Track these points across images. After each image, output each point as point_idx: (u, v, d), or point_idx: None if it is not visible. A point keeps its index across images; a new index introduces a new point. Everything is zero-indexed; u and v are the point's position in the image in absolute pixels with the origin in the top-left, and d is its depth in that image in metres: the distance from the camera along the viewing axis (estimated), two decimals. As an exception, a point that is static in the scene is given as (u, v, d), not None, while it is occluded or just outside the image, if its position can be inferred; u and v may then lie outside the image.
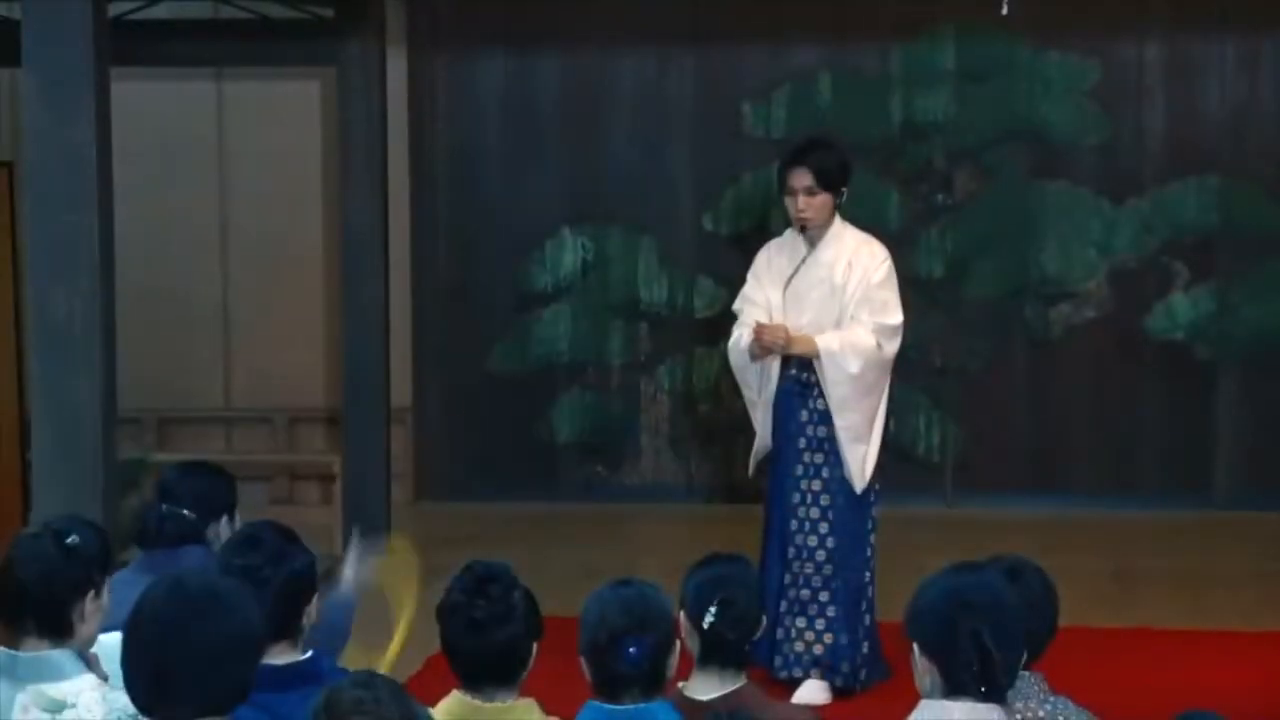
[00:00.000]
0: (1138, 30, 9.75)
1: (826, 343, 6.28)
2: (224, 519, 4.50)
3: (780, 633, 6.30)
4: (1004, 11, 7.97)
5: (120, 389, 6.37)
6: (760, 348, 6.32)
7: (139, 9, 8.61)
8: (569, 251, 10.09)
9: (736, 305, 6.55)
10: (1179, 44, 9.77)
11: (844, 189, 6.39)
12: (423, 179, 10.11)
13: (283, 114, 10.09)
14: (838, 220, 6.42)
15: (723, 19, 9.89)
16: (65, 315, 5.95)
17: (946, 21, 9.77)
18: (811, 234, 6.41)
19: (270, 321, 10.17)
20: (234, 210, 10.18)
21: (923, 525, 8.79)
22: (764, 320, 6.36)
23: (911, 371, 9.64)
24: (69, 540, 3.55)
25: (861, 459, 6.29)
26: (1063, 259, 9.87)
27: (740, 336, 6.45)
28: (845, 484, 6.32)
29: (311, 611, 3.73)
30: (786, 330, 6.31)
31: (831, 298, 6.33)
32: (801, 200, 6.34)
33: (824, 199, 6.34)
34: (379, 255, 8.76)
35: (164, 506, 4.43)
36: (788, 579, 6.31)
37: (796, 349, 6.32)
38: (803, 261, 6.43)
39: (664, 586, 3.69)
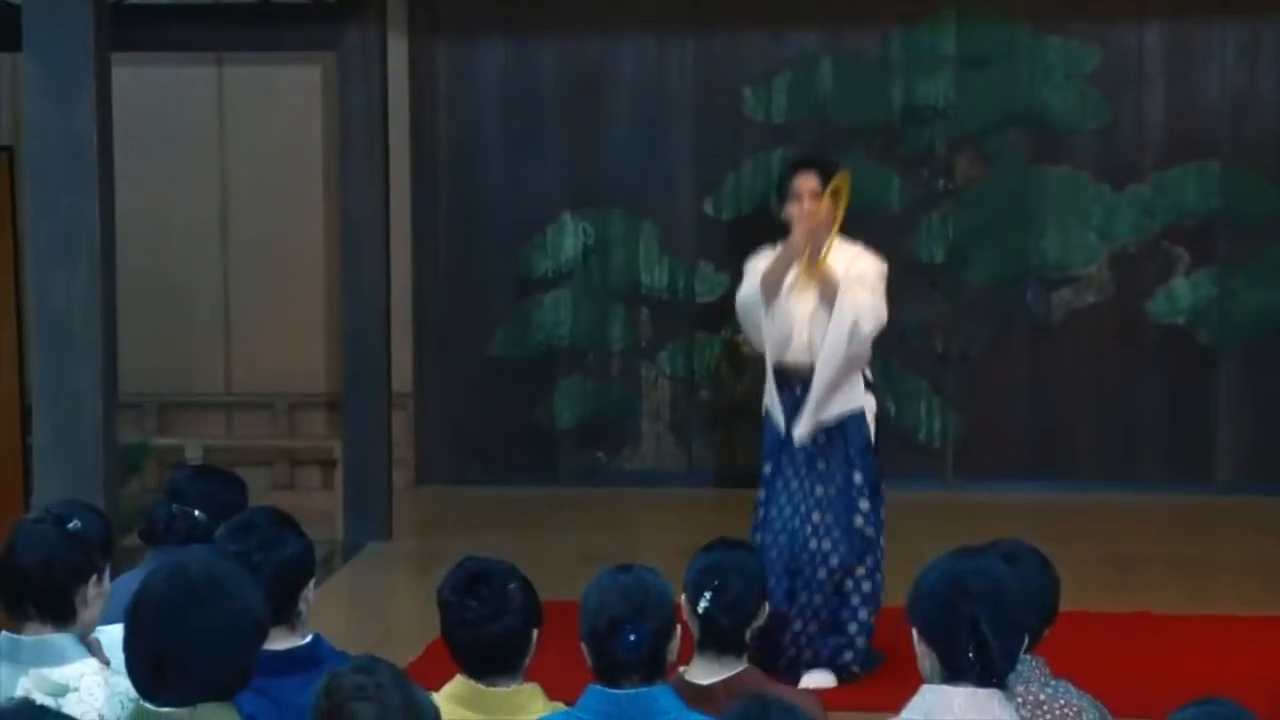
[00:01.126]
0: (1138, 15, 9.74)
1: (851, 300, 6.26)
2: None
3: (788, 638, 6.31)
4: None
5: (121, 374, 6.40)
6: (801, 239, 6.25)
7: (139, -6, 8.60)
8: (570, 237, 10.08)
9: (742, 288, 6.51)
10: (1179, 29, 9.75)
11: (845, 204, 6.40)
12: (423, 165, 10.08)
13: (283, 100, 10.07)
14: (836, 236, 6.39)
15: (723, 4, 9.87)
16: (66, 301, 5.96)
17: (947, 6, 9.76)
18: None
19: (271, 307, 10.16)
20: (235, 196, 10.16)
21: (923, 510, 8.77)
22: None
23: (912, 357, 9.75)
24: (70, 525, 3.54)
25: (813, 409, 6.30)
26: (1063, 244, 9.87)
27: (752, 285, 6.39)
28: (847, 493, 6.32)
29: (309, 596, 3.73)
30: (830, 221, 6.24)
31: (828, 306, 6.31)
32: (808, 203, 6.31)
33: (829, 206, 6.32)
34: (379, 240, 8.78)
35: (174, 506, 4.38)
36: (799, 583, 6.29)
37: (818, 272, 6.27)
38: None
39: (664, 572, 3.69)
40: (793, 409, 6.33)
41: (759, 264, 6.46)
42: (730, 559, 3.99)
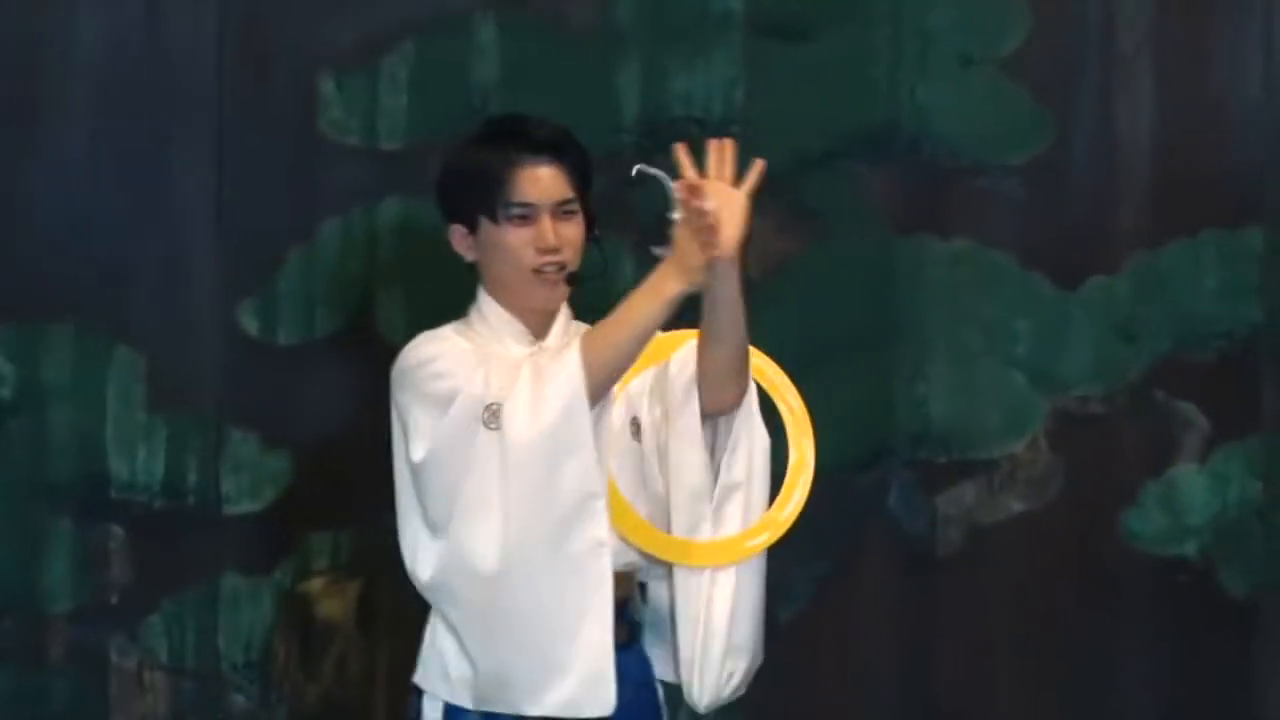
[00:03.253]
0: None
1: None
2: None
3: None
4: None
5: None
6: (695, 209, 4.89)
7: None
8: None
9: (452, 386, 5.01)
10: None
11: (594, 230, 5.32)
12: None
13: None
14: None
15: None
16: None
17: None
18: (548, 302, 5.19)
19: None
20: None
21: None
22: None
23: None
24: None
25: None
26: (960, 392, 7.68)
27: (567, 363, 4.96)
28: None
29: None
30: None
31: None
32: (550, 228, 4.97)
33: (579, 229, 5.07)
34: None
35: None
36: None
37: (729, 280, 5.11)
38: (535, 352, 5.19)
39: None
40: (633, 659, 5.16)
41: (449, 348, 5.01)
42: None
